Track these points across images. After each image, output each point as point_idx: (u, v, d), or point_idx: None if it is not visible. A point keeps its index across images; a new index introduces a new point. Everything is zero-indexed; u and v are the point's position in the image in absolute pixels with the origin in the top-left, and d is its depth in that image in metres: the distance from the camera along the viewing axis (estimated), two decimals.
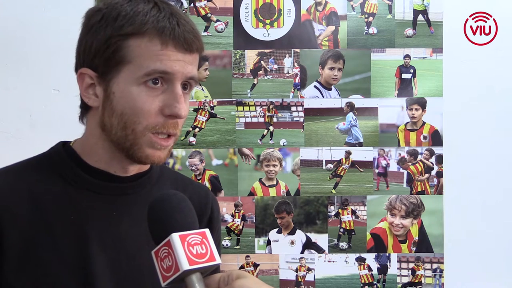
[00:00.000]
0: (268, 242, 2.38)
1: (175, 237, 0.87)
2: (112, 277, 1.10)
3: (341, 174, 2.38)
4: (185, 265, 0.86)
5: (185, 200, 0.94)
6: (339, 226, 2.38)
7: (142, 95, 1.05)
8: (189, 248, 0.87)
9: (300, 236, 2.38)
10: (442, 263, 2.36)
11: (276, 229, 2.38)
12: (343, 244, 2.38)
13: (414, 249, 2.36)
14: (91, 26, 1.09)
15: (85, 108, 1.16)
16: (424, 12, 2.37)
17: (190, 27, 1.08)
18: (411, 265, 2.37)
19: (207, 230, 0.91)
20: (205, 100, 2.37)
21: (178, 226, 0.89)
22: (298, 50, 2.37)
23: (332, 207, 2.37)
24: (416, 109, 2.37)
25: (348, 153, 2.38)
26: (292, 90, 2.38)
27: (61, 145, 1.18)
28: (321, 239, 2.38)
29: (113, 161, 1.13)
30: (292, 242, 2.38)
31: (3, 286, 1.03)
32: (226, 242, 2.36)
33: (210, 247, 0.90)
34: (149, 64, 1.05)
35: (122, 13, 1.06)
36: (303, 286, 2.37)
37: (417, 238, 2.36)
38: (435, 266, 2.36)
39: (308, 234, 2.38)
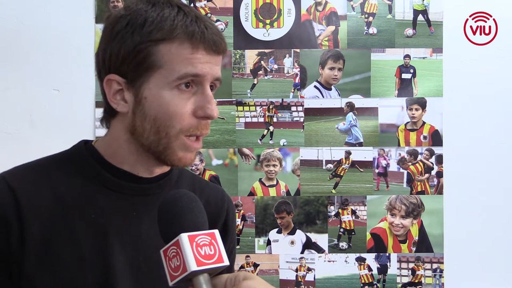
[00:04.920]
0: (268, 242, 2.37)
1: (184, 237, 0.87)
2: (132, 275, 1.10)
3: (341, 174, 2.38)
4: (193, 266, 0.86)
5: (196, 200, 0.95)
6: (339, 226, 2.38)
7: (174, 99, 1.07)
8: (197, 248, 0.87)
9: (300, 236, 2.38)
10: (442, 263, 2.36)
11: (276, 229, 2.38)
12: (343, 244, 2.38)
13: (414, 249, 2.37)
14: (116, 33, 1.08)
15: (110, 114, 1.15)
16: (424, 12, 2.37)
17: (216, 29, 1.10)
18: (411, 265, 2.37)
19: (216, 231, 0.91)
20: None
21: (187, 226, 0.89)
22: (298, 50, 2.37)
23: (332, 207, 2.38)
24: (416, 109, 2.37)
25: (348, 153, 2.38)
26: (292, 90, 2.38)
27: (83, 143, 1.18)
28: (321, 239, 2.38)
29: (138, 163, 1.14)
30: (292, 242, 2.38)
31: (23, 282, 1.03)
32: None
33: (218, 249, 0.89)
34: (180, 68, 1.05)
35: (149, 19, 1.06)
36: (303, 286, 2.37)
37: (417, 238, 2.36)
38: (435, 266, 2.37)
39: (308, 234, 2.38)
